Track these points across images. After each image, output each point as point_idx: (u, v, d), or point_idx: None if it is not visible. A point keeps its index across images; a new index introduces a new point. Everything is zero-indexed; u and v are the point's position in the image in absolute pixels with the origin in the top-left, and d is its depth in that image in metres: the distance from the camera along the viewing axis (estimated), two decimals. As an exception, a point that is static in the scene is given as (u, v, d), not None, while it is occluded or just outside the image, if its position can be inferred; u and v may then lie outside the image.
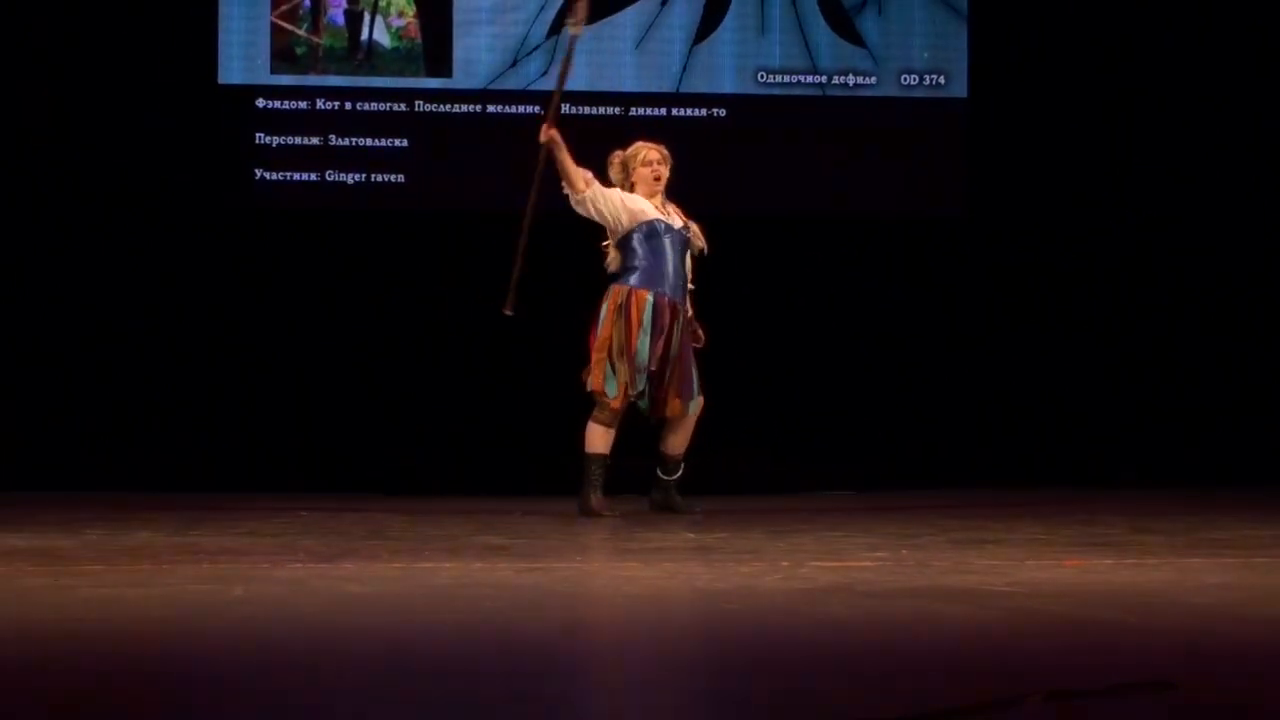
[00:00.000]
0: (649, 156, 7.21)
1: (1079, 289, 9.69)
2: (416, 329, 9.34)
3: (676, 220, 7.26)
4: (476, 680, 3.67)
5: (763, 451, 9.21)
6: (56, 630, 4.32)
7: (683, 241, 7.23)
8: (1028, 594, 4.92)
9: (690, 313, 7.37)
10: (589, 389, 7.24)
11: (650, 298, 7.15)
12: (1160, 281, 9.71)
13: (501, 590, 5.04)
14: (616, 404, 7.20)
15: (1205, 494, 8.63)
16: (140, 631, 4.31)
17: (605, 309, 7.22)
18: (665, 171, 7.22)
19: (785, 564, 5.62)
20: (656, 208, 7.24)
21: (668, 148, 7.44)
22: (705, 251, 7.36)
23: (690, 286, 7.35)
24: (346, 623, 4.48)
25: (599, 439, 7.23)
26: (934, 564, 5.64)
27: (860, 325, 9.54)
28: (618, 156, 7.30)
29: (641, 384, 7.16)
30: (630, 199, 7.19)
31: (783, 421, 9.25)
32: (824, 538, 6.59)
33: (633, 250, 7.18)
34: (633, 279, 7.19)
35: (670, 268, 7.17)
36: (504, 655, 3.98)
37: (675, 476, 7.42)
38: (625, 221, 7.18)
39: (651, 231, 7.16)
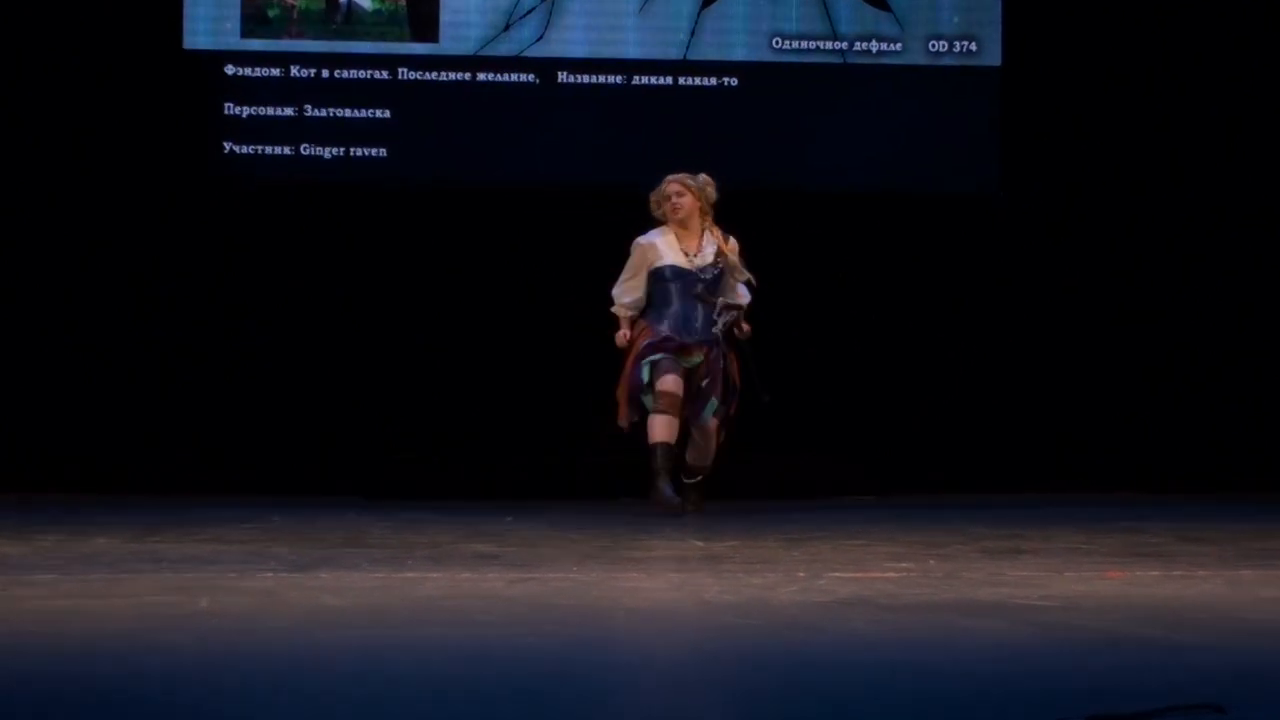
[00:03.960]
0: (666, 191, 8.08)
1: (1125, 275, 9.63)
2: (399, 315, 9.34)
3: (701, 259, 8.06)
4: (463, 702, 3.68)
5: (778, 451, 9.20)
6: (4, 646, 4.33)
7: (690, 284, 8.02)
8: (1065, 609, 4.93)
9: (717, 335, 8.00)
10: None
11: (653, 333, 8.01)
12: (1215, 265, 9.63)
13: (491, 603, 5.05)
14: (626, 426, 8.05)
15: (1259, 501, 8.63)
16: (96, 647, 4.32)
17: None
18: (684, 202, 8.05)
19: (802, 575, 5.63)
20: (680, 241, 8.08)
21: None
22: (753, 282, 8.10)
23: (735, 309, 8.03)
24: (323, 638, 4.49)
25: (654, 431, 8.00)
26: (964, 575, 5.65)
27: (884, 314, 9.51)
28: (654, 196, 8.11)
29: (635, 415, 8.00)
30: (649, 249, 8.09)
31: (799, 419, 9.23)
32: (844, 546, 6.61)
33: (650, 291, 8.10)
34: (647, 316, 8.08)
35: (674, 309, 8.04)
36: (493, 674, 3.99)
37: (691, 481, 8.15)
38: (643, 274, 8.08)
39: (658, 277, 8.08)
